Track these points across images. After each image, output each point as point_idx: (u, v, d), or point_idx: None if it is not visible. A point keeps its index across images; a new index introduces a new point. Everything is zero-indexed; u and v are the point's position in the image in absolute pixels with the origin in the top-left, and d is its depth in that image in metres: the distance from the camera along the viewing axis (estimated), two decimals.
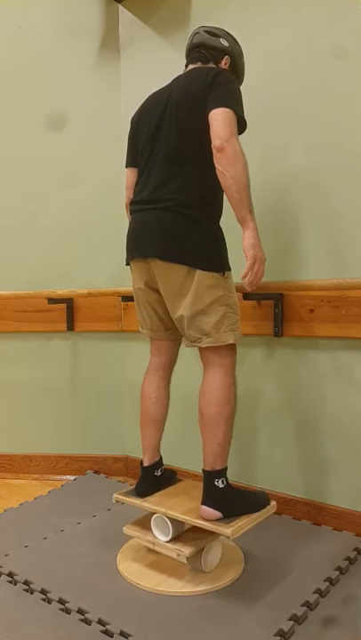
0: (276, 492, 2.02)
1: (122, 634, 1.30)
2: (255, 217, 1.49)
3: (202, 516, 1.48)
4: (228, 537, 1.42)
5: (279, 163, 1.97)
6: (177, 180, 1.52)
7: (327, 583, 1.50)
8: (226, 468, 1.54)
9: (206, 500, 1.49)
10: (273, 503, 1.59)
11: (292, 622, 1.33)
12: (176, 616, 1.38)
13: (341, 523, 1.85)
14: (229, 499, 1.51)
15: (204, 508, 1.48)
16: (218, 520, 1.47)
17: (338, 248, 1.85)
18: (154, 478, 1.69)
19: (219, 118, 1.44)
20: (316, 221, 1.89)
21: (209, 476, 1.51)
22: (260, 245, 1.49)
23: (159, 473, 1.71)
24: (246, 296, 1.94)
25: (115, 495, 1.68)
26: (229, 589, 1.50)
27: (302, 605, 1.39)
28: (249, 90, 1.93)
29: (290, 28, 1.92)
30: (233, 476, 2.11)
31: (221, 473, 1.52)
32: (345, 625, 1.34)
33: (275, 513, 2.00)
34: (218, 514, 1.47)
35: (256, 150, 1.99)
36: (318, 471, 1.93)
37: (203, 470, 1.53)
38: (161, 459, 1.73)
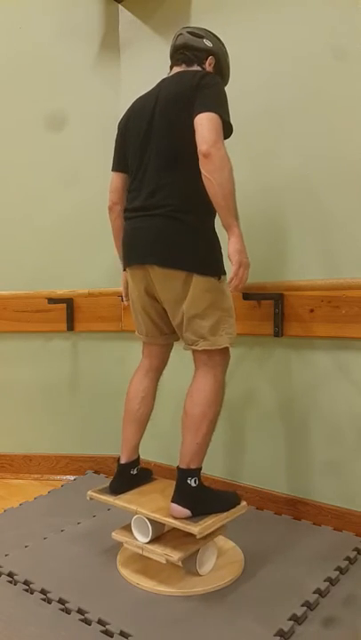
0: (277, 491, 2.02)
1: (122, 634, 1.30)
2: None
3: (171, 514, 1.48)
4: (196, 535, 1.42)
5: (276, 164, 1.97)
6: (170, 185, 1.52)
7: (327, 583, 1.50)
8: (200, 469, 1.54)
9: (177, 498, 1.50)
10: (243, 503, 1.59)
11: (292, 622, 1.32)
12: (176, 616, 1.37)
13: (341, 523, 1.85)
14: (199, 498, 1.51)
15: (174, 505, 1.49)
16: (186, 518, 1.47)
17: (337, 248, 1.85)
18: (129, 477, 1.70)
19: (204, 123, 1.43)
20: (315, 222, 1.90)
21: (183, 474, 1.52)
22: (245, 251, 1.50)
23: (135, 472, 1.72)
24: (246, 296, 1.94)
25: (89, 492, 1.68)
26: (229, 589, 1.50)
27: (302, 605, 1.39)
28: (243, 95, 1.94)
29: (288, 30, 1.92)
30: (232, 476, 2.11)
31: (195, 472, 1.53)
32: (345, 625, 1.34)
33: (275, 513, 2.00)
34: (187, 512, 1.47)
35: (250, 154, 1.99)
36: (318, 471, 1.93)
37: (177, 468, 1.54)
38: (138, 457, 1.73)
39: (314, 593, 1.45)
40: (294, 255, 1.95)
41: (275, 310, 1.94)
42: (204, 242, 1.54)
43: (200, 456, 1.54)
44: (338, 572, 1.56)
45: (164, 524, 1.54)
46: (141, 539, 1.54)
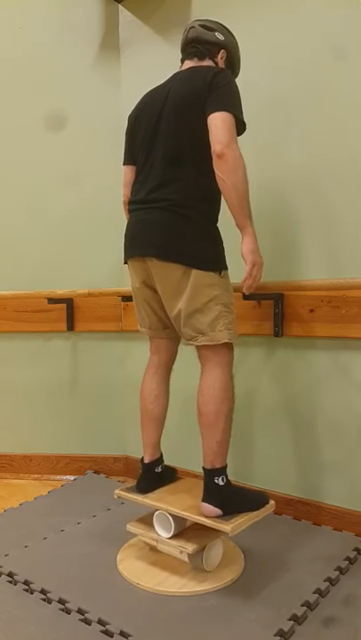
0: (277, 491, 2.02)
1: (122, 634, 1.30)
2: (253, 221, 1.50)
3: (202, 512, 1.49)
4: (228, 533, 1.44)
5: (278, 163, 1.97)
6: (175, 182, 1.53)
7: (327, 583, 1.50)
8: (226, 466, 1.54)
9: (206, 498, 1.50)
10: (272, 502, 1.60)
11: (292, 622, 1.32)
12: (176, 616, 1.38)
13: (341, 523, 1.85)
14: (229, 496, 1.52)
15: (205, 505, 1.49)
16: (217, 517, 1.48)
17: (338, 248, 1.85)
18: (155, 475, 1.71)
19: (219, 123, 1.44)
20: (315, 221, 1.90)
21: (209, 474, 1.52)
22: (259, 250, 1.51)
23: (160, 470, 1.72)
24: (247, 296, 1.94)
25: (116, 491, 1.69)
26: (229, 589, 1.50)
27: (302, 605, 1.39)
28: (248, 90, 1.93)
29: (290, 28, 1.92)
30: (233, 476, 2.10)
31: (221, 471, 1.53)
32: (345, 625, 1.34)
33: (275, 513, 2.00)
34: (218, 511, 1.48)
35: (255, 150, 1.99)
36: (318, 471, 1.93)
37: (203, 468, 1.54)
38: (161, 455, 1.74)
39: (314, 593, 1.45)
40: (295, 255, 1.95)
41: (275, 310, 1.94)
42: (206, 237, 1.54)
43: (222, 454, 1.54)
44: (338, 572, 1.56)
45: (185, 521, 1.55)
46: (163, 534, 1.56)
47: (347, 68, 1.80)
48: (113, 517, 1.97)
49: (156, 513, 1.59)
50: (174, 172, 1.53)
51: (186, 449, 2.16)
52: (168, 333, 1.70)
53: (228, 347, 1.57)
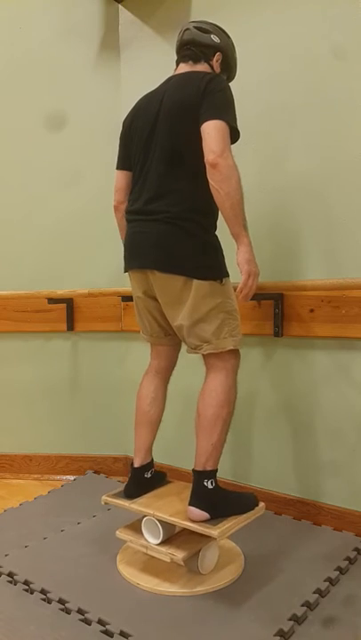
0: (277, 491, 2.02)
1: (122, 634, 1.30)
2: (249, 230, 1.49)
3: (189, 517, 1.47)
4: (215, 538, 1.42)
5: (278, 163, 1.97)
6: (172, 192, 1.51)
7: (327, 583, 1.50)
8: (216, 470, 1.53)
9: (194, 501, 1.49)
10: (261, 504, 1.58)
11: (292, 622, 1.33)
12: (176, 616, 1.38)
13: (341, 523, 1.85)
14: (217, 500, 1.50)
15: (192, 508, 1.48)
16: (205, 521, 1.46)
17: (338, 248, 1.85)
18: (144, 480, 1.69)
19: (212, 132, 1.42)
20: (315, 221, 1.90)
21: (199, 476, 1.51)
22: (255, 260, 1.50)
23: (149, 475, 1.70)
24: None
25: (103, 497, 1.67)
26: (229, 589, 1.50)
27: (302, 605, 1.39)
28: (248, 93, 1.94)
29: (290, 29, 1.92)
30: (232, 476, 2.11)
31: (212, 474, 1.52)
32: (345, 625, 1.34)
33: (275, 513, 2.00)
34: (205, 515, 1.46)
35: (256, 152, 1.99)
36: (318, 471, 1.93)
37: (193, 470, 1.53)
38: (152, 460, 1.72)
39: (314, 593, 1.45)
40: (294, 255, 1.95)
41: (275, 310, 1.94)
42: (205, 247, 1.53)
43: (215, 457, 1.52)
44: (338, 572, 1.56)
45: (175, 526, 1.53)
46: (152, 540, 1.54)
47: (347, 69, 1.80)
48: (113, 518, 1.97)
49: (145, 519, 1.57)
50: (170, 182, 1.52)
51: (185, 449, 2.16)
52: (169, 340, 1.71)
53: (234, 352, 1.56)
